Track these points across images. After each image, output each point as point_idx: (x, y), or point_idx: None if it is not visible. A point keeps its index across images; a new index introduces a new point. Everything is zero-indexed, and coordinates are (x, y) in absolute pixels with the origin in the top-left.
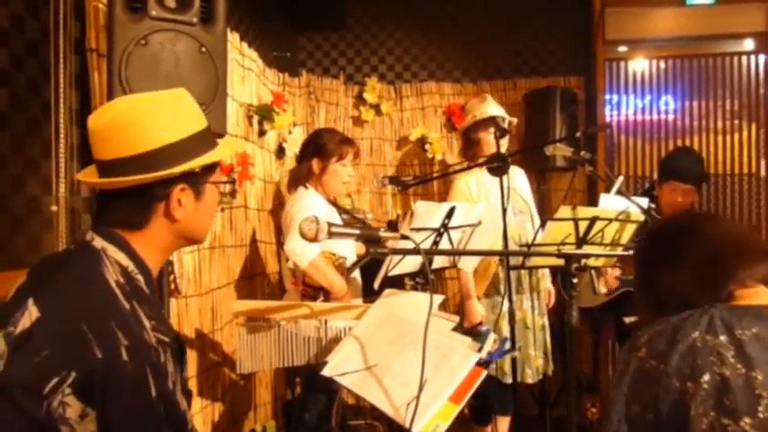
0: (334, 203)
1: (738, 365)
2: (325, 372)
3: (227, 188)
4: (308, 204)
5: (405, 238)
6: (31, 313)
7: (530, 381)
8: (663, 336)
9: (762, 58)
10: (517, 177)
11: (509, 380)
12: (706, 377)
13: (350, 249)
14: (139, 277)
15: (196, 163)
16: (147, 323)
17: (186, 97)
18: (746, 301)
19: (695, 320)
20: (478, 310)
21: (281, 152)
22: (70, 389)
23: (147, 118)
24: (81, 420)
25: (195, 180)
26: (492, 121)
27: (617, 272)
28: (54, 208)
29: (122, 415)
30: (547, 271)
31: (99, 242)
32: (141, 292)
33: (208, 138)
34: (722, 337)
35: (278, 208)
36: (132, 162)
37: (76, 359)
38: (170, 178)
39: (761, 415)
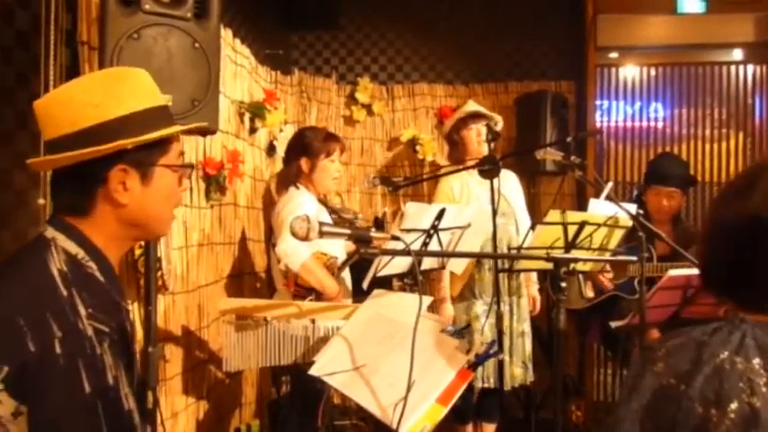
0: (323, 203)
1: None
2: (313, 371)
3: (186, 174)
4: (300, 204)
5: (395, 238)
6: None
7: (496, 386)
8: (685, 351)
9: (750, 68)
10: (506, 179)
11: (481, 384)
12: (733, 405)
13: (340, 249)
14: (91, 264)
15: (130, 140)
16: (82, 311)
17: (139, 73)
18: None
19: (724, 337)
20: (448, 311)
21: (271, 150)
22: (3, 384)
23: (85, 94)
24: (14, 419)
25: (139, 161)
26: (471, 118)
27: (610, 275)
28: (41, 201)
29: (53, 413)
30: (534, 277)
31: (50, 232)
32: (88, 280)
33: (160, 117)
34: (755, 361)
35: (268, 206)
36: (68, 139)
37: (9, 353)
38: (108, 158)
39: None
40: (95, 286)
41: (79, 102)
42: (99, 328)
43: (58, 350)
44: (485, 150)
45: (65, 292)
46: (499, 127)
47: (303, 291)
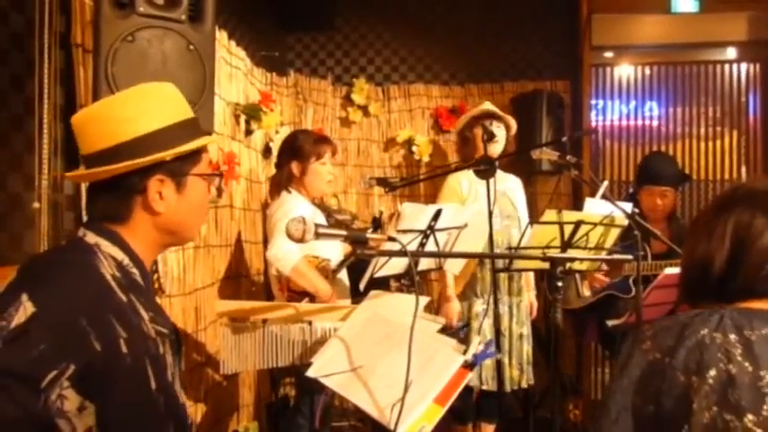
0: (319, 205)
1: (746, 363)
2: (310, 373)
3: (216, 182)
4: (292, 208)
5: (392, 239)
6: (26, 308)
7: (494, 388)
8: (670, 331)
9: (744, 66)
10: (510, 183)
11: (474, 382)
12: (712, 372)
13: (336, 251)
14: (134, 270)
15: (168, 153)
16: (145, 315)
17: (168, 88)
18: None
19: (705, 318)
20: (456, 308)
21: (267, 152)
22: (69, 382)
23: (122, 109)
24: (79, 413)
25: (174, 171)
26: (484, 117)
27: (602, 274)
28: (36, 205)
29: (122, 408)
30: (532, 283)
31: (92, 237)
32: (138, 285)
33: (190, 129)
34: (731, 336)
35: (264, 208)
36: (107, 154)
37: (75, 352)
38: (146, 169)
39: (765, 413)
40: (144, 291)
41: (116, 118)
42: (160, 331)
43: (124, 350)
44: (494, 151)
45: (124, 298)
46: (513, 130)
47: (296, 296)
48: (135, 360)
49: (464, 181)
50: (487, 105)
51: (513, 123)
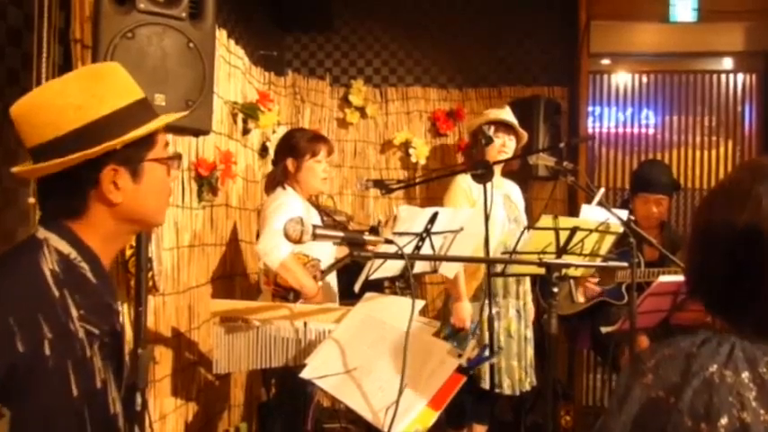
0: (316, 206)
1: (761, 411)
2: (304, 374)
3: (175, 164)
4: (284, 204)
5: (388, 242)
6: None
7: (508, 392)
8: (674, 363)
9: (740, 76)
10: (511, 189)
11: (486, 385)
12: (723, 420)
13: (328, 252)
14: (84, 265)
15: (117, 141)
16: (74, 312)
17: (114, 69)
18: None
19: (713, 349)
20: (467, 309)
21: (264, 151)
22: None
23: (64, 96)
24: None
25: (128, 159)
26: (502, 126)
27: (595, 280)
28: (31, 200)
29: (39, 414)
30: (528, 287)
31: (42, 233)
32: (80, 281)
33: (141, 111)
34: (744, 375)
35: (260, 208)
36: (52, 146)
37: None
38: (97, 160)
39: None
40: (87, 287)
41: (59, 105)
42: (90, 330)
43: (47, 351)
44: (486, 152)
45: (56, 293)
46: (523, 141)
47: (282, 290)
48: (56, 363)
49: (474, 183)
50: (507, 115)
51: (525, 135)
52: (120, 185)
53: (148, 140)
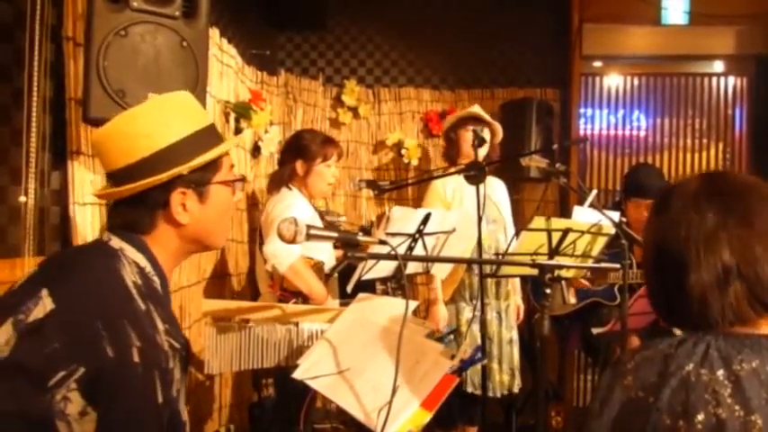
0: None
1: (736, 407)
2: (297, 375)
3: (239, 186)
4: (291, 205)
5: (382, 243)
6: (45, 304)
7: (490, 394)
8: (652, 364)
9: (731, 79)
10: (495, 187)
11: (470, 389)
12: (700, 417)
13: (329, 254)
14: (156, 279)
15: (185, 167)
16: (161, 326)
17: (184, 97)
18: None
19: (689, 349)
20: (443, 313)
21: (256, 151)
22: (76, 384)
23: (138, 124)
24: (80, 418)
25: (196, 182)
26: (471, 120)
27: (585, 281)
28: (22, 198)
29: (126, 417)
30: (518, 286)
31: (117, 242)
32: (157, 295)
33: (208, 137)
34: (719, 372)
35: (251, 208)
36: (126, 171)
37: (87, 355)
38: (166, 184)
39: None
40: (163, 301)
41: (130, 134)
42: (173, 344)
43: (136, 358)
44: (478, 154)
45: (142, 306)
46: (498, 137)
47: (289, 294)
48: (145, 370)
49: (449, 185)
50: (476, 109)
51: (500, 129)
52: (188, 207)
53: (214, 164)
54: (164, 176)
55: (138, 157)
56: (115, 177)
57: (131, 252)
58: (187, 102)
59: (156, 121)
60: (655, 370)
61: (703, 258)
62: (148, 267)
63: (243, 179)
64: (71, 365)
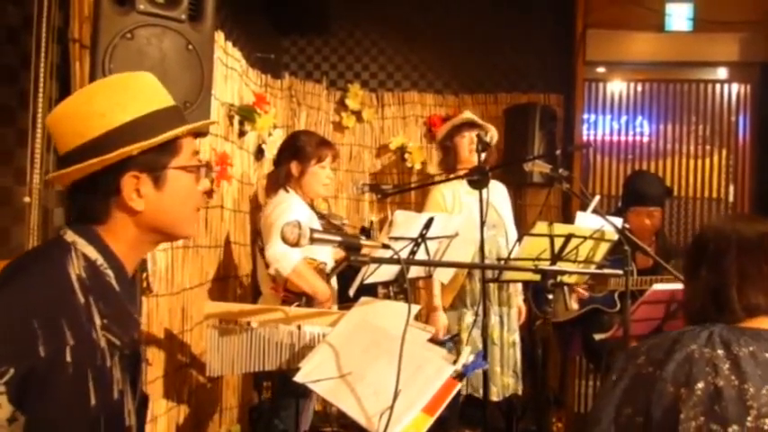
0: (311, 207)
1: (732, 377)
2: (298, 378)
3: (203, 172)
4: (289, 208)
5: (386, 246)
6: None
7: (494, 398)
8: (661, 346)
9: (734, 86)
10: (496, 192)
11: (468, 391)
12: (700, 384)
13: (329, 255)
14: (109, 272)
15: (134, 146)
16: (97, 320)
17: (144, 77)
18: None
19: (695, 334)
20: (442, 320)
21: (260, 154)
22: (4, 387)
23: (90, 104)
24: (8, 425)
25: (150, 165)
26: (465, 126)
27: (584, 287)
28: (27, 199)
29: (55, 421)
30: (519, 288)
31: (70, 236)
32: (105, 288)
33: (167, 119)
34: (719, 351)
35: (254, 210)
36: (77, 152)
37: (18, 355)
38: (116, 166)
39: (749, 424)
40: (112, 295)
41: (84, 113)
42: (111, 341)
43: (68, 358)
44: (476, 159)
45: (82, 300)
46: (494, 139)
47: (292, 296)
48: (77, 371)
49: (447, 193)
50: (468, 114)
51: (495, 133)
52: (143, 192)
53: (172, 147)
54: (111, 156)
55: (89, 137)
56: (66, 159)
57: (83, 245)
58: (146, 82)
59: (111, 100)
60: (663, 350)
61: None
62: (100, 260)
63: (207, 166)
64: (1, 367)
